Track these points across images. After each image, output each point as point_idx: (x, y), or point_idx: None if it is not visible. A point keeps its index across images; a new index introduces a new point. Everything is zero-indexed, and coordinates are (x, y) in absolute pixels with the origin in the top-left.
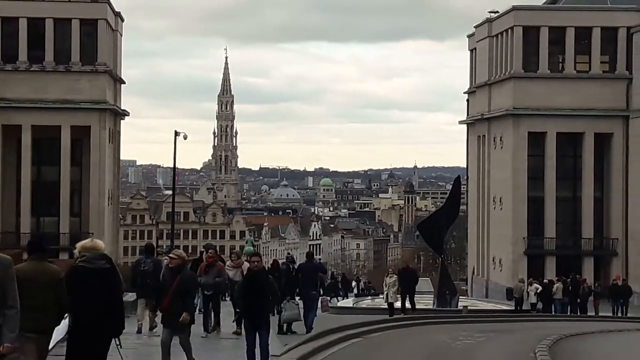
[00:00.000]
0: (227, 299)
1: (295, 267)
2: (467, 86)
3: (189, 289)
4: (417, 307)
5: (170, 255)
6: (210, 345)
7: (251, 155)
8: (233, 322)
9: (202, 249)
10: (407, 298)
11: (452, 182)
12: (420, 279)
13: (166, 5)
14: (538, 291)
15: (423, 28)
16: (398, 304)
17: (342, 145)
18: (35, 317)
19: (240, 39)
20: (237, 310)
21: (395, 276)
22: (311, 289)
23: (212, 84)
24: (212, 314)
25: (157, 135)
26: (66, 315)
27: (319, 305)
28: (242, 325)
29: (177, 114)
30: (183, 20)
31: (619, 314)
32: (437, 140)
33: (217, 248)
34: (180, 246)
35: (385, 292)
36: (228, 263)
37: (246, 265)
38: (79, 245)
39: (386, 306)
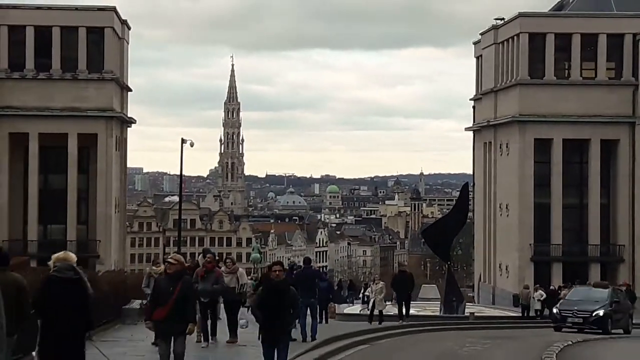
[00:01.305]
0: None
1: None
2: (470, 93)
3: (190, 297)
4: (425, 313)
5: (169, 260)
6: (216, 355)
7: (257, 162)
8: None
9: (200, 254)
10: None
11: (458, 189)
12: (426, 285)
13: (168, 14)
14: (542, 298)
15: (425, 35)
16: (395, 311)
17: (347, 153)
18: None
19: (242, 47)
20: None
21: (381, 283)
22: (309, 296)
23: (216, 92)
24: (210, 322)
25: (162, 143)
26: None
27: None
28: (236, 334)
29: (182, 122)
30: (185, 29)
31: None
32: (443, 148)
33: (224, 255)
34: (187, 253)
35: (372, 300)
36: (223, 269)
37: (242, 271)
38: (53, 257)
39: (376, 313)
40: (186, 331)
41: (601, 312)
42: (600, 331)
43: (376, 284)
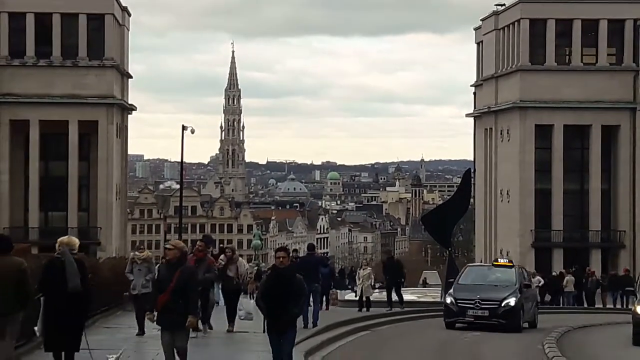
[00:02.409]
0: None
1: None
2: (470, 79)
3: (191, 286)
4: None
5: (167, 246)
6: (207, 344)
7: (258, 149)
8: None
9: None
10: (394, 291)
11: (459, 176)
12: (427, 271)
13: (166, 1)
14: (541, 284)
15: (425, 21)
16: (382, 296)
17: (348, 139)
18: (2, 300)
19: (242, 34)
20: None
21: (369, 269)
22: (313, 282)
23: (216, 79)
24: (200, 312)
25: (162, 130)
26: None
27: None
28: (233, 323)
29: (182, 109)
30: (184, 15)
31: (619, 306)
32: (443, 134)
33: (225, 242)
34: (188, 240)
35: (359, 286)
36: (222, 257)
37: (242, 260)
38: (59, 240)
39: (383, 300)
40: (186, 324)
41: (512, 301)
42: (509, 327)
43: (363, 269)
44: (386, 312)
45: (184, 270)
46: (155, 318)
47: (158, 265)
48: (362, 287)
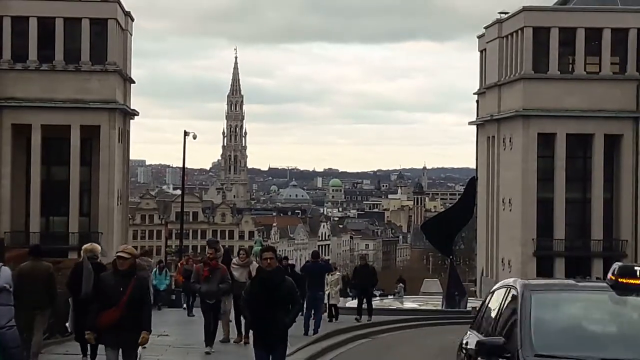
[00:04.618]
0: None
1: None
2: (471, 87)
3: (146, 297)
4: (427, 307)
5: (120, 254)
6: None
7: (260, 155)
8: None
9: (207, 244)
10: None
11: (461, 184)
12: (429, 280)
13: (166, 6)
14: None
15: (425, 29)
16: (351, 303)
17: (349, 146)
18: (35, 297)
19: (242, 40)
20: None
21: (338, 274)
22: (318, 290)
23: (217, 85)
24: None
25: (163, 135)
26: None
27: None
28: (248, 335)
29: (183, 115)
30: (184, 21)
31: None
32: (445, 141)
33: (226, 247)
34: (189, 246)
35: (327, 292)
36: (235, 260)
37: (255, 265)
38: (84, 247)
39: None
40: (139, 341)
41: None
42: None
43: (332, 274)
44: (387, 320)
45: (139, 279)
46: (93, 337)
47: (100, 275)
48: (329, 294)
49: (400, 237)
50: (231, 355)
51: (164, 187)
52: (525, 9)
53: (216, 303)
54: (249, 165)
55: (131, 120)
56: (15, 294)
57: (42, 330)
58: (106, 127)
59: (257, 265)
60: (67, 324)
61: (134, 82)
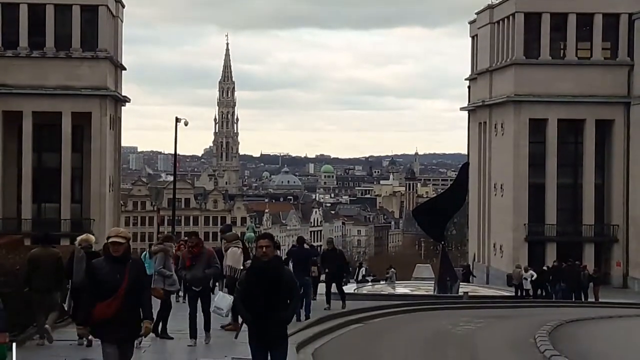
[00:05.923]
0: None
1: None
2: (461, 73)
3: (144, 283)
4: (419, 293)
5: (114, 239)
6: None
7: (252, 141)
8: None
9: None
10: (335, 286)
11: (453, 169)
12: (420, 265)
13: None
14: (533, 278)
15: (416, 15)
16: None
17: (341, 132)
18: (45, 281)
19: (231, 26)
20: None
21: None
22: (304, 275)
23: (208, 71)
24: (204, 315)
25: (155, 122)
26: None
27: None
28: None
29: (174, 101)
30: (173, 8)
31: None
32: (437, 127)
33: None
34: (182, 232)
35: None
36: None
37: (233, 250)
38: (79, 238)
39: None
40: (141, 333)
41: None
42: None
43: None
44: (379, 305)
45: (134, 264)
46: (87, 332)
47: (92, 263)
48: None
49: (392, 222)
50: (218, 350)
51: (162, 175)
52: None
53: (204, 290)
54: (241, 151)
55: (122, 107)
56: (26, 278)
57: (55, 311)
58: (97, 114)
59: (239, 250)
60: (64, 304)
61: (125, 69)
